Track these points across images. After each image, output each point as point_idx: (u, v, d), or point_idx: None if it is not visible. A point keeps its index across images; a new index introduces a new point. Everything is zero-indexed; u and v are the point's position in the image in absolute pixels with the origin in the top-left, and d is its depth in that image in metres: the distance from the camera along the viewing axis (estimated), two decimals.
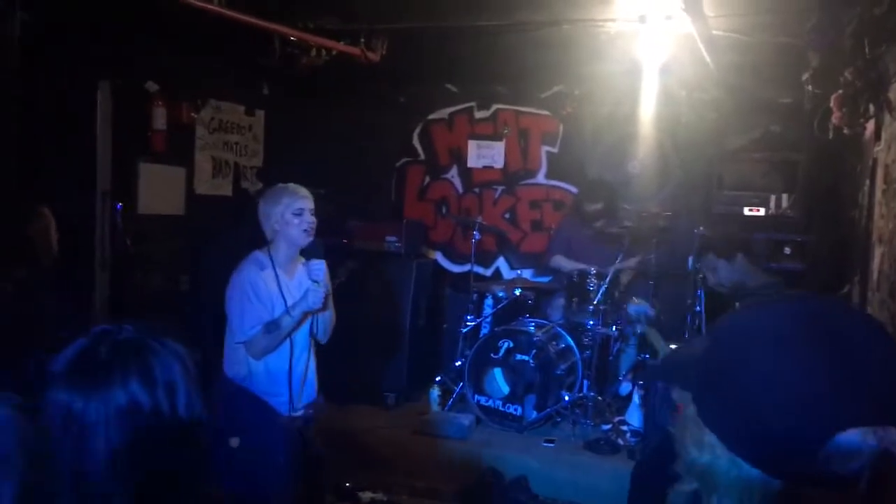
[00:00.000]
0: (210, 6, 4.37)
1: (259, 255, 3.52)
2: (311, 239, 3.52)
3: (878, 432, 0.83)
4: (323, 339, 3.75)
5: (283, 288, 3.48)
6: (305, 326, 3.59)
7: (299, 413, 3.61)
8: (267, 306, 3.41)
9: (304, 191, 3.56)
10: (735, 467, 0.91)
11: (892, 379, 0.86)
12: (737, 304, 3.85)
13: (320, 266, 3.44)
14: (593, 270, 5.82)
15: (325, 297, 3.47)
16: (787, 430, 0.85)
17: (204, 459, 1.46)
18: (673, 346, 4.15)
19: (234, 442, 3.30)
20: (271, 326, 3.38)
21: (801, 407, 0.85)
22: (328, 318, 3.71)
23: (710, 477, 0.95)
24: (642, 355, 5.80)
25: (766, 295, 3.56)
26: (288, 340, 3.48)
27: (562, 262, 6.32)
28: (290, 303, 3.44)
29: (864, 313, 0.96)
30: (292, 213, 3.47)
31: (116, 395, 1.33)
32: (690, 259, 5.92)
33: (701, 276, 4.81)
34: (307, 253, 3.51)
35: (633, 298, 5.77)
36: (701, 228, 6.01)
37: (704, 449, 0.95)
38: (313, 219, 3.52)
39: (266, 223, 3.52)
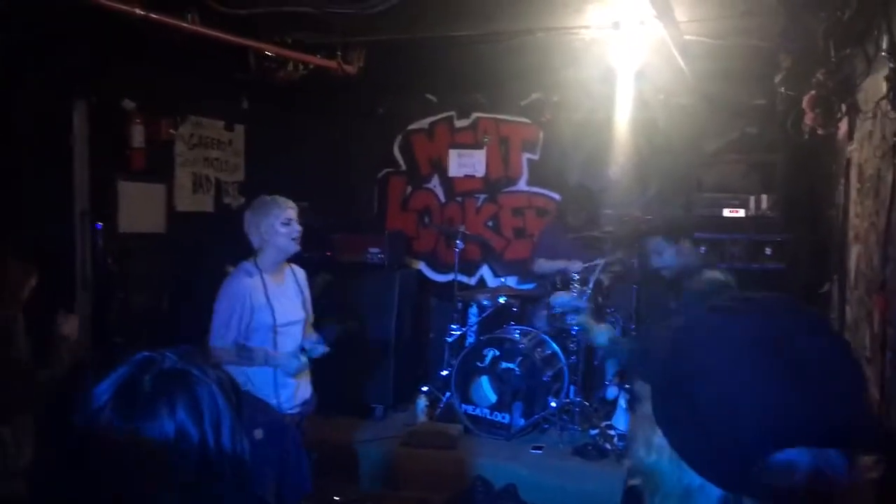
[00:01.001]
0: (184, 24, 4.37)
1: (247, 265, 3.68)
2: (297, 246, 3.70)
3: (817, 452, 0.84)
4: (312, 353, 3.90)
5: (271, 295, 3.64)
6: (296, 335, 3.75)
7: (294, 411, 3.76)
8: (246, 320, 3.57)
9: (290, 202, 3.75)
10: (678, 471, 0.92)
11: (847, 398, 0.87)
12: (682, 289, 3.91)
13: (319, 348, 3.75)
14: (577, 276, 5.83)
15: (300, 368, 3.73)
16: (731, 439, 0.86)
17: (248, 493, 1.43)
18: (602, 327, 4.17)
19: (259, 434, 3.37)
20: (243, 352, 3.55)
21: (747, 416, 0.85)
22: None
23: (654, 478, 0.96)
24: (571, 359, 5.80)
25: (716, 286, 3.65)
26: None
27: (545, 265, 6.34)
28: (276, 309, 3.62)
29: (834, 334, 0.96)
30: (281, 223, 3.64)
31: (165, 425, 1.30)
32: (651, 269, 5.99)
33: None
34: (320, 325, 3.83)
35: (556, 292, 5.78)
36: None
37: (652, 449, 0.96)
38: (300, 227, 3.70)
39: (254, 234, 3.68)
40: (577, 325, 4.73)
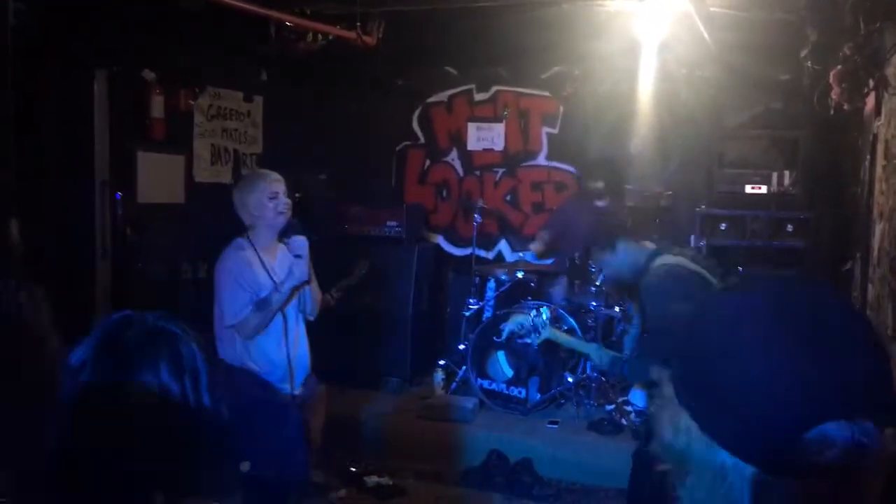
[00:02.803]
0: None
1: (240, 240, 3.66)
2: (286, 219, 3.66)
3: (853, 425, 0.82)
4: (311, 315, 3.87)
5: (268, 268, 3.64)
6: (294, 305, 3.71)
7: (297, 391, 3.72)
8: (254, 287, 3.54)
9: (275, 175, 3.71)
10: (710, 452, 0.90)
11: (871, 371, 0.85)
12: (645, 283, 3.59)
13: (302, 241, 3.57)
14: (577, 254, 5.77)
15: (309, 271, 3.63)
16: (764, 418, 0.85)
17: (227, 447, 1.45)
18: (566, 336, 3.98)
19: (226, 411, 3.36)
20: (262, 304, 3.52)
21: (779, 395, 0.84)
22: (314, 293, 3.84)
23: (685, 460, 0.94)
24: (588, 335, 5.72)
25: (747, 277, 3.38)
26: (281, 320, 3.60)
27: (544, 236, 6.32)
28: (276, 277, 3.60)
29: (846, 301, 0.94)
30: (268, 197, 3.60)
31: (148, 381, 1.31)
32: (693, 238, 5.88)
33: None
34: (287, 231, 3.64)
35: (511, 317, 5.27)
36: (703, 206, 6.00)
37: (680, 432, 0.94)
38: (287, 200, 3.67)
39: (243, 211, 3.67)
40: (535, 343, 4.27)
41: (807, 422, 0.83)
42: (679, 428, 0.94)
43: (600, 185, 6.23)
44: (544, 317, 3.98)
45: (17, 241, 3.57)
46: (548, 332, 3.89)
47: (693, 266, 3.30)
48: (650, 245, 3.57)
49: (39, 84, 4.64)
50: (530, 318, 3.96)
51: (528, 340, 4.09)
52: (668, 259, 3.36)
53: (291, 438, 3.62)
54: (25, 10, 4.16)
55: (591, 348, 3.86)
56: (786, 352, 0.85)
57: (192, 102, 6.03)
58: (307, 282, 3.64)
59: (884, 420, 0.84)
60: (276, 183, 3.64)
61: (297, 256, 3.54)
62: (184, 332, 1.41)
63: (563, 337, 4.00)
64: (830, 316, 0.88)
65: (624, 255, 3.55)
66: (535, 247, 6.39)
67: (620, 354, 3.76)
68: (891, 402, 0.85)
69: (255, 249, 3.63)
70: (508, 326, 4.58)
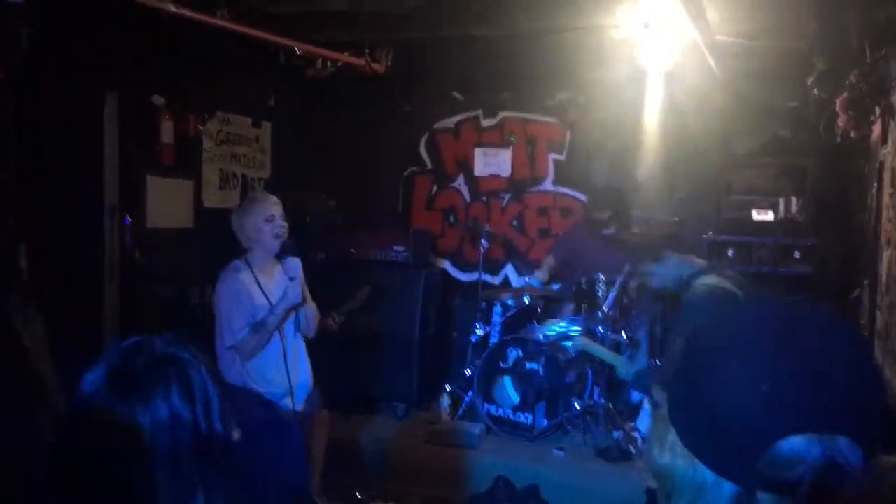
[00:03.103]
0: (215, 21, 4.41)
1: (238, 262, 3.78)
2: (282, 241, 3.76)
3: (823, 440, 0.82)
4: (310, 333, 3.97)
5: (265, 290, 3.73)
6: (291, 324, 3.80)
7: (299, 407, 3.81)
8: (250, 309, 3.63)
9: (272, 198, 3.82)
10: (692, 469, 0.92)
11: (857, 393, 0.85)
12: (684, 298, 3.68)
13: (295, 263, 3.67)
14: (602, 277, 5.81)
15: (303, 292, 3.72)
16: (738, 430, 0.86)
17: (237, 474, 1.44)
18: (597, 346, 4.00)
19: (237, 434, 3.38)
20: (258, 326, 3.61)
21: (749, 407, 0.85)
22: (311, 312, 3.93)
23: (669, 477, 0.96)
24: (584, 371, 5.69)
25: (724, 287, 3.42)
26: (279, 340, 3.69)
27: (550, 262, 6.34)
28: (272, 299, 3.70)
29: (844, 323, 0.94)
30: (264, 220, 3.70)
31: (160, 409, 1.32)
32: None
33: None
34: (282, 253, 3.72)
35: (549, 320, 5.46)
36: (710, 233, 6.00)
37: (665, 448, 0.96)
38: (283, 223, 3.75)
39: (241, 234, 3.79)
40: (574, 349, 4.42)
41: (774, 432, 0.83)
42: (665, 444, 0.96)
43: (606, 215, 6.26)
44: (577, 327, 4.15)
45: (22, 267, 3.61)
46: (580, 342, 4.01)
47: (734, 289, 3.33)
48: (697, 261, 3.61)
49: (49, 108, 4.68)
50: (563, 325, 4.10)
51: (564, 345, 4.19)
52: (711, 279, 3.40)
53: (293, 454, 3.64)
54: (37, 35, 4.21)
55: (618, 361, 3.91)
56: (767, 367, 0.86)
57: (202, 127, 6.08)
58: (301, 303, 3.73)
59: (867, 441, 0.84)
60: (273, 206, 3.74)
61: (291, 279, 3.63)
62: (194, 357, 1.42)
63: (594, 347, 4.05)
64: (822, 331, 0.89)
65: (670, 267, 3.60)
66: (540, 274, 6.39)
67: (645, 369, 3.79)
68: (876, 424, 0.86)
69: (253, 271, 3.73)
70: (544, 331, 4.71)
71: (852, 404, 0.84)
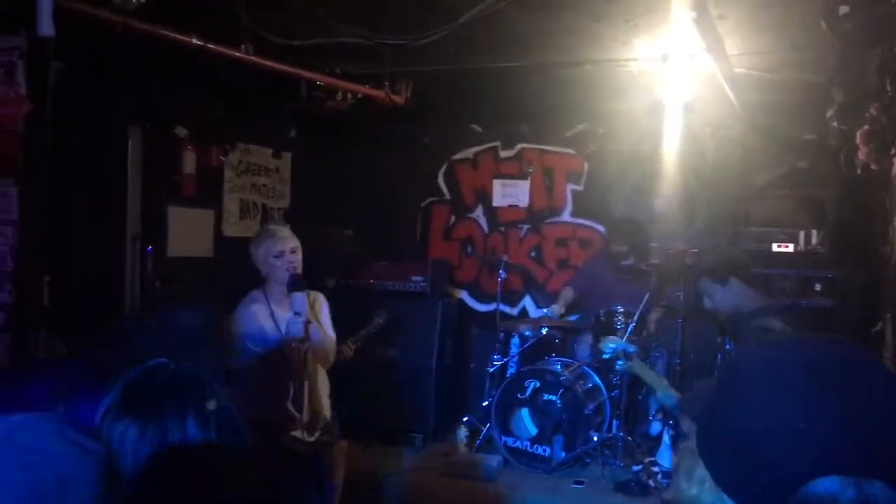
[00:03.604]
0: (238, 54, 4.47)
1: (255, 293, 3.80)
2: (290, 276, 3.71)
3: (859, 483, 0.81)
4: (325, 364, 3.94)
5: (278, 321, 3.71)
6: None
7: (313, 438, 3.73)
8: (259, 342, 3.63)
9: (283, 232, 3.82)
10: (718, 502, 0.91)
11: (893, 432, 0.84)
12: (737, 330, 3.72)
13: (300, 299, 3.59)
14: (620, 308, 5.79)
15: (306, 327, 3.62)
16: (769, 467, 0.85)
17: (254, 497, 1.44)
18: (658, 377, 3.98)
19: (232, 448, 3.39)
20: (263, 358, 3.62)
21: (785, 445, 0.84)
22: (325, 343, 3.88)
23: None
24: (613, 392, 5.67)
25: (777, 331, 3.40)
26: (289, 371, 3.62)
27: (568, 294, 6.33)
28: (285, 332, 3.65)
29: (877, 362, 0.94)
30: (273, 256, 3.72)
31: (171, 426, 1.33)
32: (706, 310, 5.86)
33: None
34: (289, 287, 3.66)
35: (607, 337, 5.42)
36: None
37: (693, 481, 0.95)
38: (294, 257, 3.74)
39: (256, 264, 3.82)
40: (626, 371, 4.45)
41: (810, 474, 0.82)
42: (693, 477, 0.96)
43: (625, 248, 6.25)
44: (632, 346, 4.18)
45: (46, 303, 3.66)
46: (635, 363, 4.00)
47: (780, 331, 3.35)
48: (760, 298, 3.63)
49: (74, 140, 4.75)
50: (623, 343, 4.10)
51: (618, 366, 4.18)
52: (770, 323, 3.40)
53: (305, 484, 3.63)
54: (64, 68, 4.28)
55: (662, 385, 3.88)
56: (798, 400, 0.86)
57: (223, 158, 6.15)
58: (303, 338, 3.62)
59: None
60: (281, 241, 3.74)
61: (296, 314, 3.56)
62: (210, 380, 1.43)
63: (644, 369, 4.04)
64: (858, 375, 0.88)
65: (732, 294, 3.60)
66: (556, 308, 6.34)
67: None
68: None
69: (269, 301, 3.74)
70: (609, 346, 4.71)
71: (890, 448, 0.83)
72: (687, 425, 1.03)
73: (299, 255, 3.78)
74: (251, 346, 3.66)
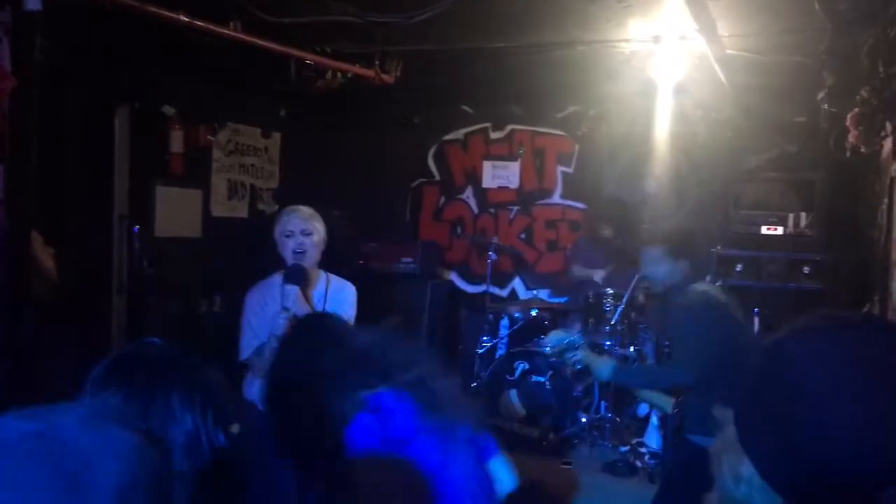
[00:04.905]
0: (226, 31, 4.42)
1: (276, 275, 3.47)
2: (303, 259, 3.41)
3: None
4: None
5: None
6: None
7: None
8: (265, 327, 3.33)
9: (300, 212, 3.49)
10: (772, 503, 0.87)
11: None
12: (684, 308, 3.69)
13: (290, 292, 3.28)
14: (609, 291, 5.80)
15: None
16: (842, 476, 0.80)
17: (240, 483, 1.43)
18: (603, 360, 3.88)
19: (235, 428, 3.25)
20: (258, 349, 3.34)
21: (860, 452, 0.79)
22: None
23: None
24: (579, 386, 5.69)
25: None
26: None
27: (581, 271, 6.31)
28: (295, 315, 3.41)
29: None
30: (284, 234, 3.42)
31: (155, 401, 1.32)
32: (708, 278, 5.88)
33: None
34: (285, 277, 3.36)
35: (553, 331, 5.35)
36: (719, 247, 5.99)
37: (742, 482, 0.90)
38: (305, 239, 3.43)
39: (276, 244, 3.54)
40: (578, 363, 4.38)
41: (884, 480, 0.78)
42: (741, 477, 0.90)
43: (609, 232, 6.25)
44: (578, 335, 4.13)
45: (51, 270, 3.60)
46: (583, 352, 3.95)
47: (723, 298, 3.45)
48: (691, 273, 3.68)
49: (61, 119, 4.70)
50: (567, 334, 4.05)
51: (569, 357, 4.12)
52: (704, 286, 3.52)
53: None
54: (51, 45, 4.23)
55: (606, 369, 3.81)
56: (871, 400, 0.81)
57: (211, 138, 6.10)
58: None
59: None
60: (295, 220, 3.45)
61: (284, 309, 3.24)
62: (199, 362, 1.42)
63: (592, 359, 3.97)
64: None
65: (674, 272, 3.62)
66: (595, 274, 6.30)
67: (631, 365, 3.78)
68: None
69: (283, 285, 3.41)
70: (551, 340, 4.64)
71: None
72: (720, 412, 0.97)
73: (315, 240, 3.45)
74: (250, 338, 3.40)
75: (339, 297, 3.54)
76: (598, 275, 6.07)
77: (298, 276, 3.32)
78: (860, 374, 0.83)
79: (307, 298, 3.45)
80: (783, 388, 0.87)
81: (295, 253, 3.41)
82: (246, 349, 3.40)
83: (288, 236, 3.41)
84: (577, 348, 4.05)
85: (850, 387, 0.82)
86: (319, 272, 3.58)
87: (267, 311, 3.39)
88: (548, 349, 5.17)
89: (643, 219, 6.54)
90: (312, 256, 3.44)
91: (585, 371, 5.70)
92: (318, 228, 3.49)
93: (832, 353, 0.86)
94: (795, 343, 0.90)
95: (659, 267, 3.69)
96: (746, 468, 0.89)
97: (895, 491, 0.78)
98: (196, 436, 1.33)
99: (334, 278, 3.59)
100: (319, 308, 3.46)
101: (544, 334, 6.12)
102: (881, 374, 0.82)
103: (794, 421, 0.84)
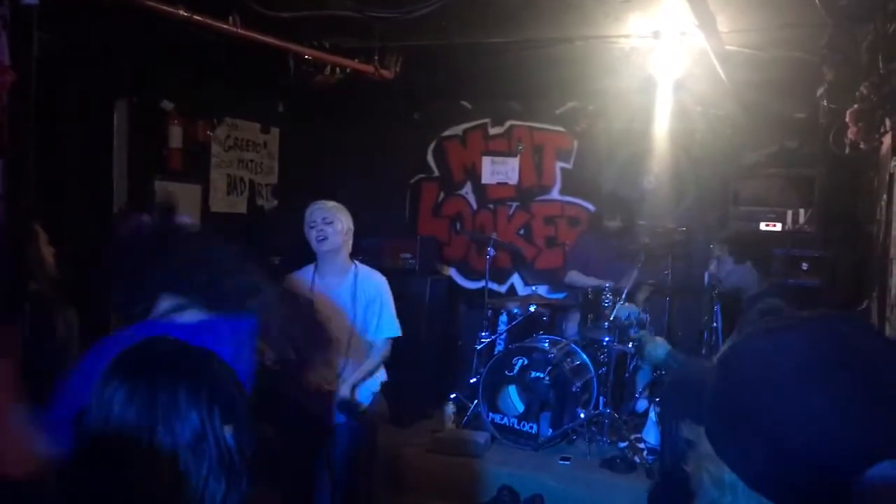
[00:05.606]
0: (225, 26, 4.41)
1: (309, 264, 3.77)
2: (327, 249, 3.66)
3: None
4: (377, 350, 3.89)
5: (316, 292, 3.68)
6: None
7: (339, 420, 3.68)
8: None
9: (323, 203, 3.73)
10: None
11: None
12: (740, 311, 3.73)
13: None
14: (608, 286, 5.80)
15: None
16: (818, 465, 0.81)
17: (241, 483, 1.41)
18: (659, 340, 3.87)
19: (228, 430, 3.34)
20: None
21: (830, 439, 0.80)
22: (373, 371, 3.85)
23: None
24: (600, 370, 5.71)
25: (775, 314, 3.42)
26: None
27: (577, 278, 6.29)
28: None
29: (885, 335, 0.91)
30: (308, 226, 3.68)
31: (161, 395, 1.31)
32: (706, 274, 5.88)
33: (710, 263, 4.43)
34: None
35: (623, 303, 5.57)
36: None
37: (725, 489, 0.90)
38: (326, 227, 3.66)
39: None
40: (637, 339, 4.46)
41: (863, 463, 0.79)
42: (724, 485, 0.90)
43: (616, 223, 6.25)
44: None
45: (52, 265, 3.62)
46: (645, 332, 3.94)
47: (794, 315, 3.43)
48: (762, 282, 3.67)
49: (60, 114, 4.69)
50: (638, 311, 4.08)
51: (632, 332, 4.16)
52: (773, 304, 3.48)
53: (318, 468, 3.61)
54: (49, 40, 4.22)
55: (662, 349, 3.79)
56: (833, 392, 0.82)
57: (210, 133, 6.10)
58: None
59: None
60: (318, 211, 3.68)
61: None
62: (206, 358, 1.41)
63: (649, 338, 3.96)
64: (873, 350, 0.85)
65: (742, 274, 3.62)
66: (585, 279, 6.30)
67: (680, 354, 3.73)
68: None
69: (314, 273, 3.72)
70: (624, 312, 4.68)
71: None
72: (689, 430, 0.97)
73: (337, 228, 3.67)
74: None
75: (367, 285, 3.79)
76: (594, 281, 6.05)
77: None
78: (818, 372, 0.84)
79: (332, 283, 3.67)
80: (747, 398, 0.87)
81: (318, 241, 3.66)
82: None
83: (311, 227, 3.66)
84: (643, 325, 4.08)
85: (811, 386, 0.83)
86: (349, 264, 3.73)
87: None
88: (623, 320, 5.28)
89: (640, 216, 6.54)
90: (334, 242, 3.66)
91: (582, 366, 5.74)
92: (341, 218, 3.73)
93: (789, 354, 0.87)
94: (751, 349, 0.92)
95: (722, 267, 3.74)
96: (728, 475, 0.89)
97: (872, 474, 0.78)
98: (202, 433, 1.32)
99: (363, 268, 3.80)
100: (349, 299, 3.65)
101: (544, 330, 6.13)
102: (838, 367, 0.83)
103: (761, 417, 0.85)
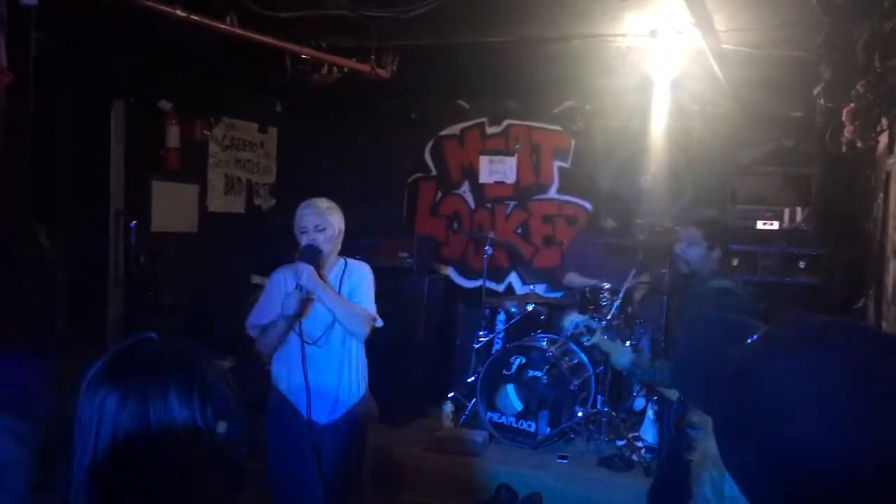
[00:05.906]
0: (222, 26, 4.41)
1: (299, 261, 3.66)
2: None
3: None
4: (356, 335, 3.72)
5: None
6: (327, 332, 3.62)
7: (317, 418, 3.63)
8: (276, 306, 3.51)
9: (313, 207, 3.65)
10: None
11: None
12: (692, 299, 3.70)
13: (303, 270, 3.46)
14: (606, 286, 5.81)
15: (305, 303, 3.50)
16: (825, 489, 0.78)
17: (237, 480, 1.41)
18: (622, 348, 3.84)
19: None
20: (267, 327, 3.55)
21: (840, 462, 0.78)
22: (347, 316, 3.63)
23: None
24: (598, 369, 5.70)
25: (734, 293, 3.43)
26: (299, 345, 3.55)
27: (575, 279, 6.29)
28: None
29: None
30: (300, 230, 3.62)
31: (152, 398, 1.30)
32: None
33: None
34: (299, 255, 3.54)
35: (569, 313, 5.40)
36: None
37: (724, 499, 0.88)
38: (318, 235, 3.59)
39: None
40: (593, 346, 4.41)
41: (874, 494, 0.77)
42: (723, 496, 0.88)
43: (612, 223, 6.26)
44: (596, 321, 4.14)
45: (47, 246, 3.64)
46: (598, 337, 3.90)
47: (745, 297, 3.43)
48: (721, 267, 3.69)
49: (57, 114, 4.69)
50: (586, 318, 4.05)
51: (584, 341, 4.14)
52: (727, 282, 3.49)
53: (302, 465, 3.61)
54: (46, 40, 4.22)
55: (625, 357, 3.77)
56: (851, 414, 0.79)
57: (208, 133, 6.10)
58: (296, 315, 3.49)
59: None
60: (308, 216, 3.62)
61: (297, 287, 3.43)
62: (198, 357, 1.41)
63: (611, 346, 3.94)
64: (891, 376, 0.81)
65: (707, 260, 3.63)
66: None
67: (644, 360, 3.70)
68: None
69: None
70: (571, 321, 4.66)
71: None
72: (698, 416, 0.95)
73: (329, 234, 3.61)
74: (260, 309, 3.62)
75: (353, 275, 3.75)
76: (592, 283, 6.03)
77: (311, 255, 3.51)
78: (837, 387, 0.81)
79: (322, 278, 3.59)
80: (763, 406, 0.84)
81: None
82: (259, 314, 3.60)
83: (303, 232, 3.60)
84: (592, 332, 4.05)
85: (828, 405, 0.80)
86: (338, 258, 3.78)
87: (284, 290, 3.55)
88: (570, 331, 5.19)
89: (638, 215, 6.55)
90: (325, 250, 3.60)
91: (579, 365, 5.75)
92: (333, 223, 3.67)
93: (810, 370, 0.83)
94: (776, 364, 0.87)
95: (693, 249, 3.72)
96: (729, 487, 0.87)
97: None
98: (196, 431, 1.32)
99: (352, 262, 3.84)
100: (335, 286, 3.63)
101: (541, 329, 6.14)
102: (859, 384, 0.80)
103: (776, 440, 0.82)
